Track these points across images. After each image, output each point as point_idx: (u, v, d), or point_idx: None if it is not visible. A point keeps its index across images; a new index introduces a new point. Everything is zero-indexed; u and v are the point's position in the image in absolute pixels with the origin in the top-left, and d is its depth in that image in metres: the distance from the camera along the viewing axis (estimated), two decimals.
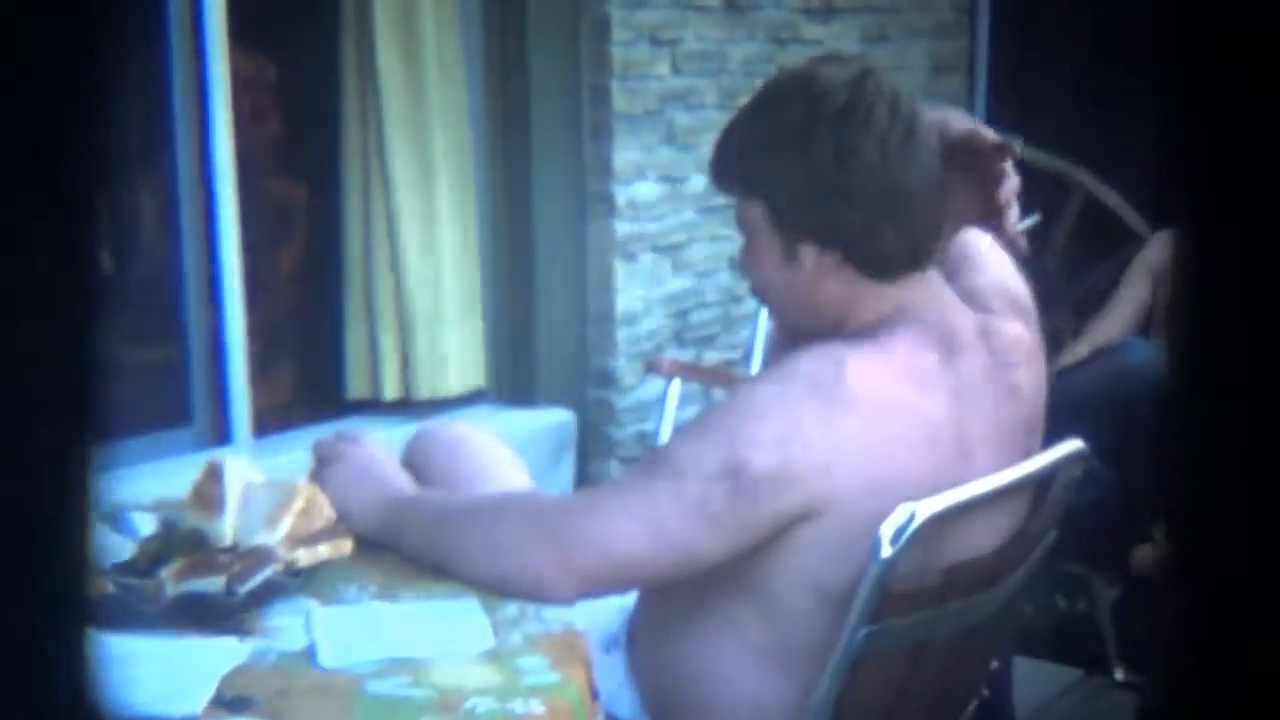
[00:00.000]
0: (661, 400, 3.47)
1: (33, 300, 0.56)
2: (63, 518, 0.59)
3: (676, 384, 3.46)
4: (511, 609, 1.80)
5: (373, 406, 4.08)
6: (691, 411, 3.83)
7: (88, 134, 0.57)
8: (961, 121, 2.07)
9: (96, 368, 0.59)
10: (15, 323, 0.56)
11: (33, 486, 0.58)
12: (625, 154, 4.36)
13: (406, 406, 4.08)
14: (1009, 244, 2.01)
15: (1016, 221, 2.01)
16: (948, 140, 1.95)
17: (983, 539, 1.94)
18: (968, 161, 1.99)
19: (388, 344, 4.05)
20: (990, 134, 2.03)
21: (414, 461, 2.20)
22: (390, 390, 4.07)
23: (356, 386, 4.10)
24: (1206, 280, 0.55)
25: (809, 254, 1.90)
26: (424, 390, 4.08)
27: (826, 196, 1.86)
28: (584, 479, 4.36)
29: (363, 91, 3.99)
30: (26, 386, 0.57)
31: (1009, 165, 2.01)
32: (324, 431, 2.71)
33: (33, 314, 0.56)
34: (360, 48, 3.97)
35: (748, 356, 3.66)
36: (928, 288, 1.95)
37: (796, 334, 1.97)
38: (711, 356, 4.70)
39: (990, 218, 2.00)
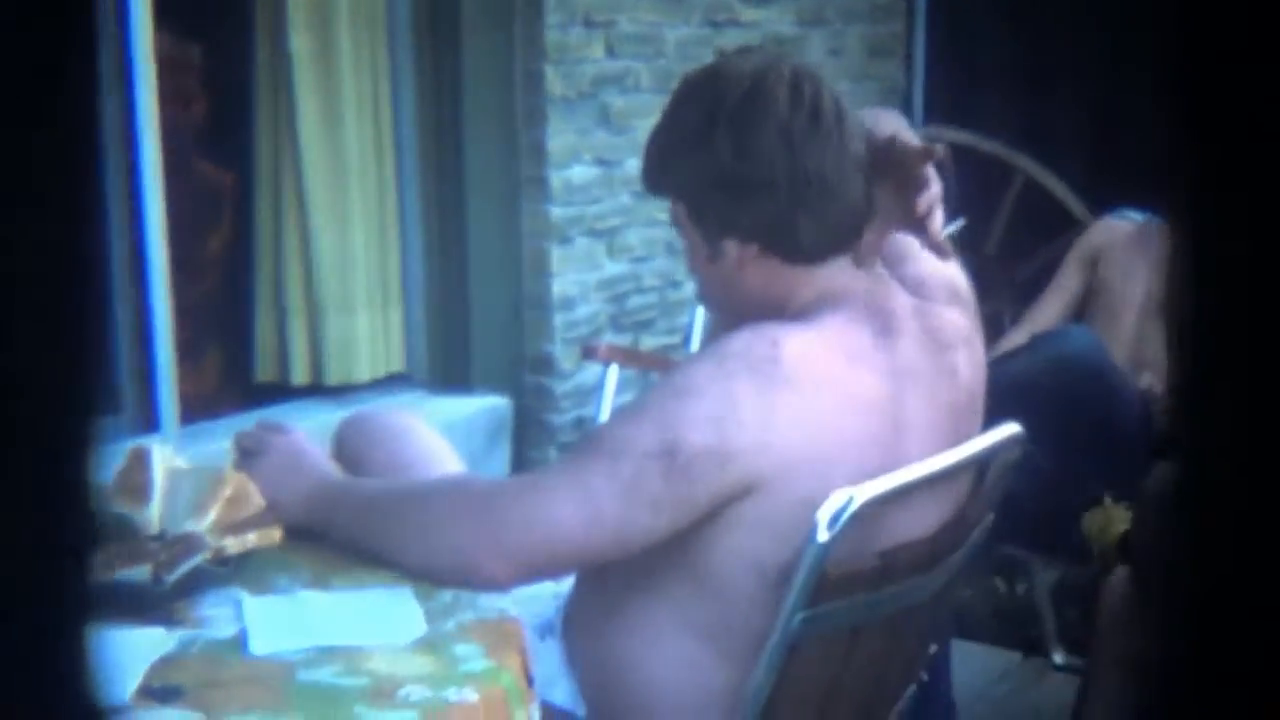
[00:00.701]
0: (599, 386, 3.46)
1: (24, 287, 0.55)
2: (62, 503, 0.58)
3: (614, 369, 3.45)
4: (446, 597, 1.77)
5: (281, 391, 4.05)
6: (630, 397, 3.81)
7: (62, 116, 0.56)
8: (888, 124, 2.06)
9: (91, 350, 0.58)
10: (10, 312, 0.55)
11: (34, 472, 0.57)
12: (559, 137, 4.33)
13: (319, 392, 4.05)
14: (934, 249, 2.01)
15: (939, 228, 2.00)
16: (871, 145, 1.95)
17: (921, 522, 1.94)
18: (889, 168, 1.98)
19: (297, 329, 4.02)
20: (912, 139, 2.02)
21: (344, 449, 2.17)
22: (299, 375, 4.05)
23: (265, 371, 4.07)
24: (1205, 269, 0.53)
25: (731, 248, 1.92)
26: (334, 376, 4.05)
27: (734, 191, 1.88)
28: (522, 466, 4.33)
29: (274, 73, 3.95)
30: (25, 372, 0.55)
31: (930, 171, 2.00)
32: (252, 419, 2.67)
33: (25, 301, 0.55)
34: (273, 30, 3.93)
35: (686, 341, 3.65)
36: (865, 271, 1.94)
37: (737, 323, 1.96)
38: (649, 341, 4.68)
39: (912, 224, 1.99)
